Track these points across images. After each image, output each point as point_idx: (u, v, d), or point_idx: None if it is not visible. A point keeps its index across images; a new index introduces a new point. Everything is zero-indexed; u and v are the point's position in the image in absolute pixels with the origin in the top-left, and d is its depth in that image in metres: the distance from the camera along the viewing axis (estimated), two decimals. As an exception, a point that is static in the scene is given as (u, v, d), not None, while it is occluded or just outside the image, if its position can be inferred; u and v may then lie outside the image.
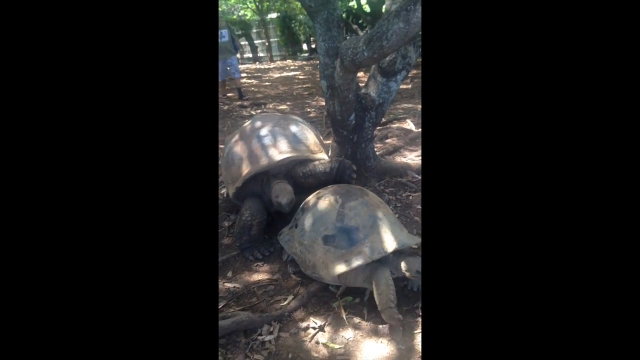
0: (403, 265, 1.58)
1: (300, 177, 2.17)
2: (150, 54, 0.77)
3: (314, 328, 1.54)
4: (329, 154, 2.78)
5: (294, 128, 2.33)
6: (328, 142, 3.16)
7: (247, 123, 2.47)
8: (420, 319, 1.54)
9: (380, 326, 1.54)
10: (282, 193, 2.03)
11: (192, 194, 0.79)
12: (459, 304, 0.74)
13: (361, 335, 1.51)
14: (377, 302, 1.50)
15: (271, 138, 2.23)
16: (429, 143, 0.80)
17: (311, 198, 1.88)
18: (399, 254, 1.63)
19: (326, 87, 2.64)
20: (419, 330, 1.49)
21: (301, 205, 1.92)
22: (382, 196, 2.67)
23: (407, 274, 1.57)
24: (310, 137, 2.34)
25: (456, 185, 0.76)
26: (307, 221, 1.75)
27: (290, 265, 1.92)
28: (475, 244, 0.74)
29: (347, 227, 1.62)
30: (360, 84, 2.73)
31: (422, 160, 0.84)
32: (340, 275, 1.59)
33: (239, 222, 2.06)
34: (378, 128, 3.95)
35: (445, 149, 0.78)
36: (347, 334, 1.52)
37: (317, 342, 1.49)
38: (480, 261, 0.74)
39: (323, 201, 1.77)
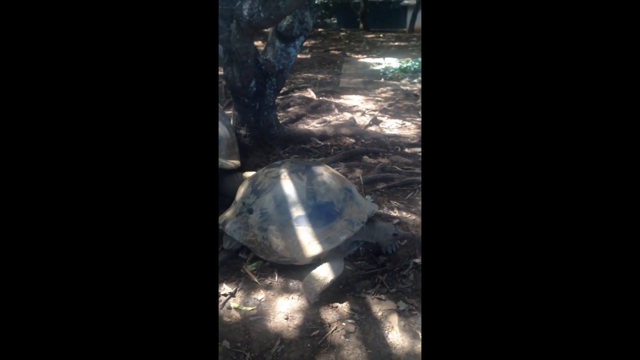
0: (377, 231, 1.66)
1: None
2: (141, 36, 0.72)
3: (225, 295, 1.53)
4: (231, 122, 2.69)
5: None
6: (229, 112, 3.05)
7: None
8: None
9: (291, 283, 1.60)
10: None
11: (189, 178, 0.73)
12: (459, 298, 0.70)
13: (273, 295, 1.55)
14: (309, 279, 1.50)
15: None
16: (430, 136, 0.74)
17: (261, 178, 1.71)
18: (370, 222, 1.68)
19: (223, 52, 2.52)
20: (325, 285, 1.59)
21: (249, 188, 1.73)
22: (287, 163, 2.71)
23: (385, 238, 1.67)
24: (224, 137, 2.11)
25: (457, 179, 0.71)
26: (270, 204, 1.60)
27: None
28: (476, 236, 0.70)
29: (322, 204, 1.57)
30: (258, 52, 2.66)
31: (422, 153, 0.79)
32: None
33: None
34: (280, 97, 3.94)
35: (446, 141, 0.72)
36: (259, 295, 1.54)
37: (229, 308, 1.48)
38: (479, 254, 0.70)
39: (284, 180, 1.63)
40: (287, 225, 1.56)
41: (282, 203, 1.59)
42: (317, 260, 1.58)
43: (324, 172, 1.69)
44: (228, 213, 1.75)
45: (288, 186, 1.62)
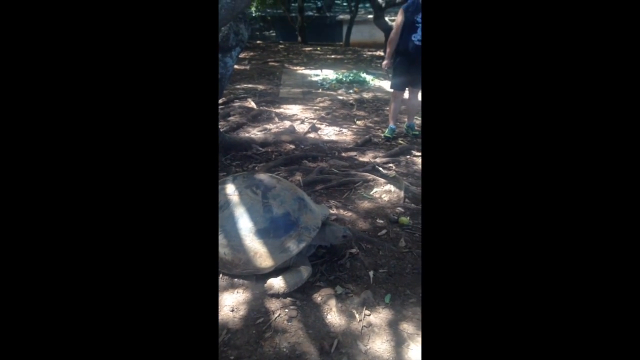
0: (328, 234, 1.78)
1: None
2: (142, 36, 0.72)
3: (170, 294, 1.58)
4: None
5: None
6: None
7: None
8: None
9: (235, 280, 1.68)
10: None
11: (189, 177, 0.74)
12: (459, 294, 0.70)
13: (219, 292, 1.62)
14: (281, 280, 1.60)
15: None
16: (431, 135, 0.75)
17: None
18: (322, 225, 1.77)
19: (159, 61, 2.55)
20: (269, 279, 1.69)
21: None
22: (230, 169, 2.78)
23: (336, 240, 1.79)
24: None
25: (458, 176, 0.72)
26: (228, 221, 1.65)
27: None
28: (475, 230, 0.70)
29: (278, 216, 1.65)
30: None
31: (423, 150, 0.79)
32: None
33: None
34: (220, 107, 3.99)
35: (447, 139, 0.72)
36: (205, 292, 1.61)
37: (175, 306, 1.53)
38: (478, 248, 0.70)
39: (239, 196, 1.69)
40: (247, 240, 1.62)
41: (240, 219, 1.65)
42: (283, 266, 1.68)
43: (277, 185, 1.76)
44: None
45: (244, 202, 1.69)
